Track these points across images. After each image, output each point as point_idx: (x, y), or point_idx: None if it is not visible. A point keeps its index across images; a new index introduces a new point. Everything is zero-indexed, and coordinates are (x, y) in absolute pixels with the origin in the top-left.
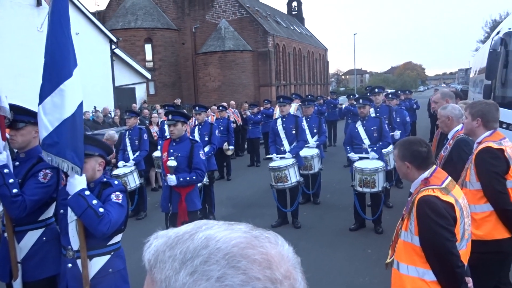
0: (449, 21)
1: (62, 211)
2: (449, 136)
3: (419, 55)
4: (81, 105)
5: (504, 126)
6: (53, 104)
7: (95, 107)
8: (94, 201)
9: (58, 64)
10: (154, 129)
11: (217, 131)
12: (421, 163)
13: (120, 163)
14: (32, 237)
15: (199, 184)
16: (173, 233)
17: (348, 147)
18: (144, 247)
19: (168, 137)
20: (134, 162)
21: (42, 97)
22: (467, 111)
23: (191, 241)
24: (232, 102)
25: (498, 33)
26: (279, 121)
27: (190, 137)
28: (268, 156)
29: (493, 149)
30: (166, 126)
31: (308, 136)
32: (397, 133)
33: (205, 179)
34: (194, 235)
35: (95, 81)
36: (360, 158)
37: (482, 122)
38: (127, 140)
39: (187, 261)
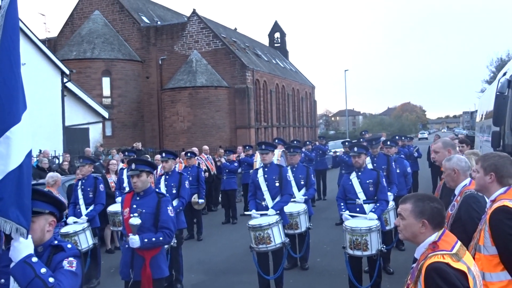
0: (452, 60)
1: (3, 280)
2: (456, 192)
3: (419, 95)
4: (29, 154)
5: None
6: None
7: (40, 151)
8: (43, 270)
9: (5, 107)
10: (112, 179)
11: (187, 182)
12: (439, 222)
13: (70, 219)
14: None
15: (165, 246)
16: None
17: (342, 203)
18: None
19: (127, 189)
20: (87, 218)
21: None
22: (479, 164)
23: None
24: (205, 147)
25: (504, 74)
26: (260, 172)
27: (156, 189)
28: (246, 212)
29: (510, 209)
30: (124, 176)
31: (295, 188)
32: (389, 194)
33: (173, 240)
34: None
35: (43, 120)
36: (353, 217)
37: (496, 177)
38: (79, 191)
39: None
